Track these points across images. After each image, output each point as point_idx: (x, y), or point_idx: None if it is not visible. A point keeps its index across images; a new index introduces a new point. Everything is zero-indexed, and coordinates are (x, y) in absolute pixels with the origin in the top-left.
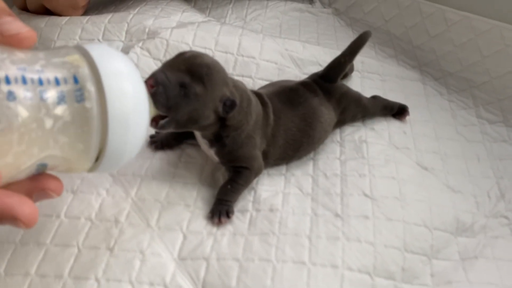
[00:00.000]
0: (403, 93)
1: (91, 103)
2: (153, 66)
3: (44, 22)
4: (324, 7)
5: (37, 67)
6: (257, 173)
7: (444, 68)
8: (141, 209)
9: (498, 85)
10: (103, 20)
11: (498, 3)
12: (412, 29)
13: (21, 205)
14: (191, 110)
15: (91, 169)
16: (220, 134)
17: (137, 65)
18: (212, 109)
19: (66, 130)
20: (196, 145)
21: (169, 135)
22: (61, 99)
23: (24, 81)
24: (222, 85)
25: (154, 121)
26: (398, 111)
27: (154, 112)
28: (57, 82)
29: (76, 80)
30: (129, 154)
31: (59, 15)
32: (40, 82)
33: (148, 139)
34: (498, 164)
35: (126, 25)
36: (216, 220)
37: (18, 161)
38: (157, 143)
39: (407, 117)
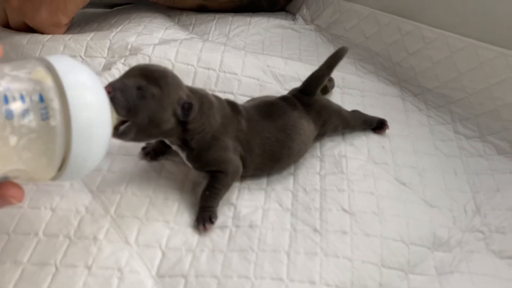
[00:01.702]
0: (383, 108)
1: (56, 121)
2: None
3: (26, 39)
4: (306, 24)
5: (4, 84)
6: (233, 175)
7: (423, 84)
8: (120, 226)
9: (474, 101)
10: (86, 38)
11: (472, 22)
12: (391, 46)
13: (8, 188)
14: (150, 113)
15: (54, 179)
16: (185, 138)
17: None
18: (171, 112)
19: (31, 146)
20: (177, 162)
21: (159, 142)
22: (26, 117)
23: None
24: (178, 88)
25: (115, 129)
26: (378, 125)
27: (115, 120)
28: (22, 100)
29: (41, 98)
30: (92, 163)
31: (42, 33)
32: (6, 100)
33: (141, 151)
34: (475, 179)
35: (109, 42)
36: (201, 227)
37: None
38: (150, 153)
39: (387, 131)
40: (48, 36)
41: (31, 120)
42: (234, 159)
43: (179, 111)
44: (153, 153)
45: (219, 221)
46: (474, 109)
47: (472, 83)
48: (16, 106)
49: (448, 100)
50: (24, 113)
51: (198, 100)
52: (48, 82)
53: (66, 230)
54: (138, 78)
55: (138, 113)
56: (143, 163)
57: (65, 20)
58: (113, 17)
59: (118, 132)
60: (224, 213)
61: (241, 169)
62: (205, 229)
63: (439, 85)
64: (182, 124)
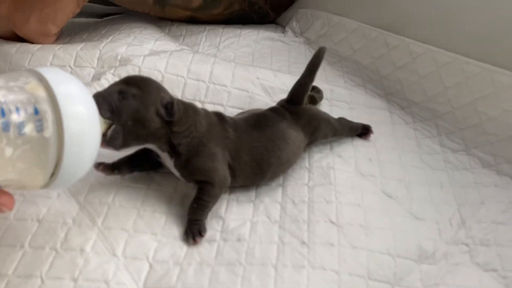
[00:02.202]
0: (370, 121)
1: (49, 133)
2: None
3: (15, 48)
4: (296, 36)
5: (0, 97)
6: (221, 186)
7: (410, 98)
8: (107, 238)
9: (459, 115)
10: (75, 48)
11: (458, 38)
12: (379, 59)
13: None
14: (133, 111)
15: (44, 187)
16: (173, 142)
17: None
18: (154, 112)
19: (25, 157)
20: (165, 174)
21: (122, 160)
22: (22, 130)
23: None
24: (159, 90)
25: (104, 136)
26: (363, 131)
27: (103, 127)
28: (18, 112)
29: (36, 111)
30: (82, 171)
31: (31, 42)
32: (3, 113)
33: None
34: (460, 192)
35: (98, 52)
36: (191, 240)
37: None
38: (104, 164)
39: (375, 143)
40: (38, 46)
41: (26, 132)
42: (222, 169)
43: (162, 111)
44: (107, 166)
45: (207, 234)
46: (460, 123)
47: (457, 97)
48: (12, 119)
49: (434, 113)
50: (20, 125)
51: (183, 105)
52: (42, 94)
53: (53, 241)
54: (120, 84)
55: (121, 113)
56: (132, 174)
57: (54, 29)
58: (103, 27)
59: (106, 138)
60: (213, 227)
61: (228, 179)
62: (194, 242)
63: (425, 99)
64: (168, 125)
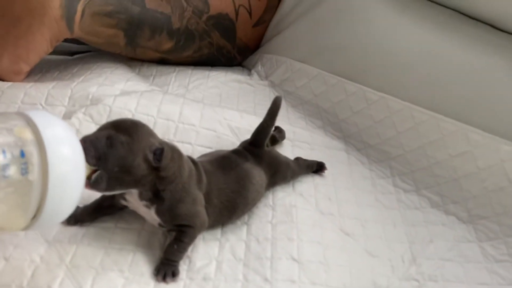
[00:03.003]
0: (329, 161)
1: (34, 176)
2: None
3: None
4: (261, 79)
5: None
6: (200, 229)
7: (365, 140)
8: (75, 276)
9: (410, 158)
10: (47, 86)
11: (410, 87)
12: (337, 104)
13: None
14: (120, 159)
15: (25, 228)
16: (157, 188)
17: (78, 131)
18: (142, 158)
19: (7, 199)
20: (133, 211)
21: (84, 210)
22: (6, 172)
23: None
24: (148, 135)
25: (88, 179)
26: (318, 168)
27: (88, 170)
28: (4, 155)
29: (22, 154)
30: (64, 214)
31: (1, 79)
32: None
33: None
34: (411, 230)
35: (70, 91)
36: (160, 278)
37: None
38: (70, 218)
39: (333, 182)
40: (9, 83)
41: (10, 174)
42: (202, 212)
43: (150, 157)
44: (72, 219)
45: None
46: (411, 165)
47: (408, 141)
48: None
49: (388, 156)
50: (5, 168)
51: (170, 149)
52: (29, 137)
53: (19, 280)
54: (109, 129)
55: (107, 161)
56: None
57: (26, 68)
58: (74, 66)
59: (90, 182)
60: (179, 266)
61: (207, 222)
62: (165, 282)
63: (379, 142)
64: (155, 171)
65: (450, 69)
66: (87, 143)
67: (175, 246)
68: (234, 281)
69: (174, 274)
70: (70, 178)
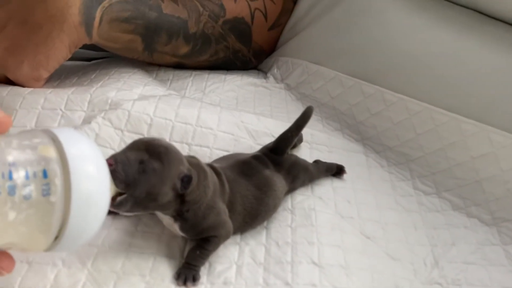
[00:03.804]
0: (347, 164)
1: (56, 197)
2: (114, 135)
3: (6, 91)
4: (277, 83)
5: (10, 159)
6: (225, 238)
7: (384, 142)
8: (96, 280)
9: (430, 160)
10: (66, 92)
11: (429, 89)
12: (355, 106)
13: None
14: (149, 187)
15: (47, 250)
16: (181, 209)
17: (98, 135)
18: (170, 186)
19: (28, 221)
20: (153, 215)
21: None
22: (28, 194)
23: None
24: (179, 163)
25: (112, 200)
26: (337, 171)
27: (113, 191)
28: (27, 175)
29: (45, 174)
30: (87, 236)
31: (22, 86)
32: (10, 177)
33: None
34: (433, 233)
35: (89, 96)
36: (180, 283)
37: None
38: None
39: (350, 184)
40: (29, 89)
41: (32, 196)
42: (227, 222)
43: (178, 185)
44: None
45: None
46: (431, 167)
47: (428, 143)
48: (19, 182)
49: (407, 158)
50: (26, 189)
51: (196, 172)
52: (53, 155)
53: (43, 283)
54: (142, 152)
55: (136, 187)
56: (120, 217)
57: (46, 74)
58: (92, 71)
59: (114, 203)
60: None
61: (231, 231)
62: (185, 286)
63: (398, 144)
64: (180, 196)
65: (470, 69)
66: (118, 166)
67: (198, 252)
68: (255, 285)
69: (194, 279)
70: (94, 199)
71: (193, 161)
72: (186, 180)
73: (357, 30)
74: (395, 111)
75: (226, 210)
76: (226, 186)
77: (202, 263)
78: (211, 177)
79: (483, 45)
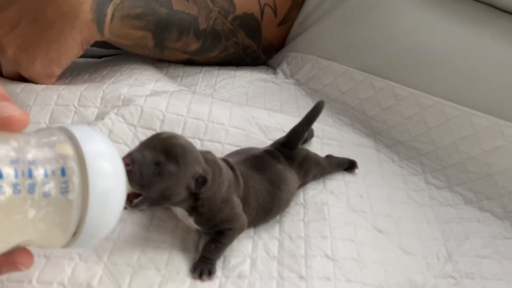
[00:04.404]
0: (358, 158)
1: (74, 195)
2: (128, 131)
3: (20, 88)
4: (287, 78)
5: (29, 157)
6: (239, 231)
7: (395, 137)
8: (113, 274)
9: (442, 154)
10: (79, 88)
11: (440, 83)
12: (365, 101)
13: None
14: (164, 188)
15: (64, 247)
16: (196, 205)
17: (111, 131)
18: (184, 186)
19: (47, 219)
20: (168, 208)
21: None
22: (47, 191)
23: (15, 174)
24: (195, 164)
25: (128, 200)
26: (349, 166)
27: (129, 189)
28: (45, 174)
29: (63, 172)
30: (103, 232)
31: (34, 82)
32: (30, 174)
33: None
34: (445, 227)
35: (102, 92)
36: (196, 276)
37: None
38: None
39: (362, 179)
40: (42, 86)
41: (51, 194)
42: (242, 216)
43: (192, 185)
44: None
45: None
46: (443, 161)
47: (440, 137)
48: (39, 180)
49: (418, 152)
50: (45, 186)
51: (212, 170)
52: (70, 153)
53: (60, 277)
54: (158, 152)
55: (151, 189)
56: (135, 211)
57: (58, 71)
58: (104, 68)
59: (131, 204)
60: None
61: (246, 225)
62: (201, 280)
63: (410, 139)
64: (194, 195)
65: (481, 63)
66: (135, 166)
67: (213, 246)
68: (270, 279)
69: (210, 272)
70: (111, 196)
71: (209, 157)
72: (200, 181)
73: (367, 24)
74: (406, 106)
75: (241, 204)
76: (241, 180)
77: (218, 257)
78: (226, 172)
79: (494, 39)
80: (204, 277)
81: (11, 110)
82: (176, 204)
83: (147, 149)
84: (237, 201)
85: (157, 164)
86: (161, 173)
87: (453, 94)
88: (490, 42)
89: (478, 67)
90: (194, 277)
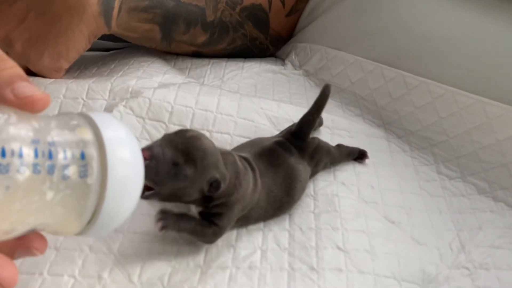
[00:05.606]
0: (369, 149)
1: (93, 179)
2: (136, 123)
3: None
4: (295, 69)
5: (49, 139)
6: (216, 236)
7: (406, 127)
8: (123, 265)
9: (455, 144)
10: (88, 81)
11: (451, 71)
12: (376, 91)
13: (1, 268)
14: (177, 189)
15: (79, 234)
16: (207, 204)
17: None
18: (198, 189)
19: (64, 202)
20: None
21: None
22: (66, 174)
23: (35, 154)
24: (213, 168)
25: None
26: (359, 156)
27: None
28: (65, 157)
29: (83, 156)
30: (119, 220)
31: (43, 76)
32: (50, 156)
33: None
34: (458, 217)
35: (110, 85)
36: (160, 224)
37: (12, 228)
38: None
39: (372, 169)
40: (51, 80)
41: (70, 176)
42: (231, 223)
43: (206, 188)
44: None
45: (220, 261)
46: (455, 151)
47: (452, 127)
48: (58, 162)
49: (430, 142)
50: (65, 169)
51: (229, 173)
52: (90, 138)
53: (71, 269)
54: (179, 153)
55: (164, 187)
56: (144, 203)
57: (66, 65)
58: (111, 61)
59: (142, 195)
60: (224, 254)
61: (223, 234)
62: (157, 227)
63: (421, 128)
64: (207, 196)
65: (494, 50)
66: (152, 161)
67: (193, 223)
68: (280, 270)
69: (166, 227)
70: (129, 184)
71: (229, 159)
72: (215, 186)
73: (377, 13)
74: (417, 95)
75: (245, 210)
76: (259, 182)
77: (180, 227)
78: (246, 175)
79: (506, 26)
80: (161, 222)
81: (33, 90)
82: (187, 202)
83: (168, 146)
84: (240, 208)
85: (175, 164)
86: (176, 174)
87: (465, 82)
88: (502, 30)
89: (490, 55)
90: (156, 221)
